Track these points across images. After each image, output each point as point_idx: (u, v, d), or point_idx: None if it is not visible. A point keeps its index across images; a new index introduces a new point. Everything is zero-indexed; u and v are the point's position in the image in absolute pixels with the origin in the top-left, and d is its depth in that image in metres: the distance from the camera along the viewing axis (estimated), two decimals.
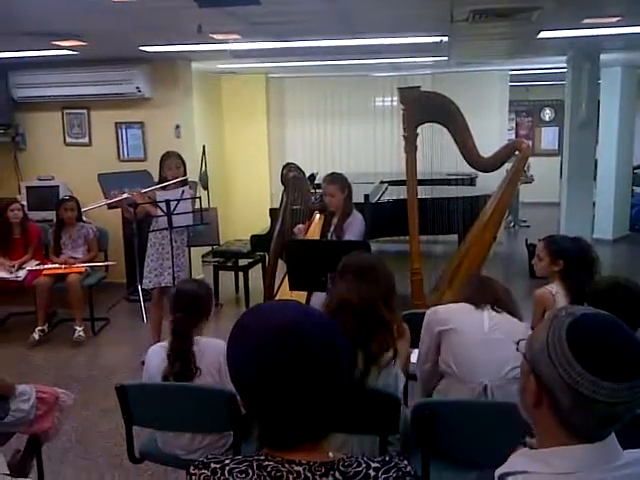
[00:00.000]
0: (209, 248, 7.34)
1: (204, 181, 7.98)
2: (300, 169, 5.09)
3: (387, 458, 1.20)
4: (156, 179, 5.19)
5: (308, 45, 5.82)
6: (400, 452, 2.59)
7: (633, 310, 2.37)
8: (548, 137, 13.08)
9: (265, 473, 1.12)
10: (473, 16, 4.40)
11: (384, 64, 8.36)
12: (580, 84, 7.32)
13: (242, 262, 6.72)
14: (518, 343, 1.24)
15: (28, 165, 7.33)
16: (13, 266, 5.72)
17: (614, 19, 4.78)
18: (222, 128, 9.16)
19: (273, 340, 1.10)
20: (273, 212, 5.98)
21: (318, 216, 4.74)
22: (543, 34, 5.38)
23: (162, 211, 4.77)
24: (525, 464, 1.16)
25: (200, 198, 5.27)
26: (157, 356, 2.75)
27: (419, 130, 4.79)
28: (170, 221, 4.79)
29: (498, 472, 1.19)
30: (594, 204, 8.44)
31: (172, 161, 4.94)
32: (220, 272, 6.66)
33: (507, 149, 5.06)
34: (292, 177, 5.00)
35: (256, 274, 6.66)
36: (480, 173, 6.69)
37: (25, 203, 6.43)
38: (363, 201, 5.86)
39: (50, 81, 6.82)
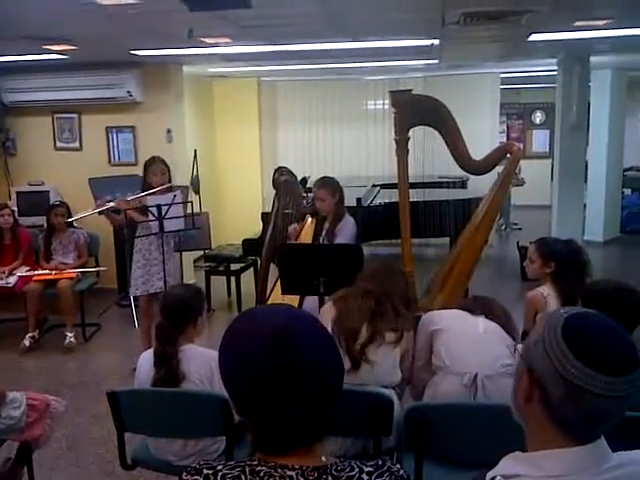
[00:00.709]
0: (201, 253, 7.32)
1: (196, 185, 7.96)
2: (292, 173, 5.08)
3: (380, 462, 1.20)
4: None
5: (299, 48, 5.82)
6: (393, 448, 2.60)
7: (632, 314, 2.37)
8: (539, 140, 13.14)
9: (258, 478, 1.12)
10: (464, 19, 4.42)
11: (375, 67, 8.38)
12: (570, 87, 7.36)
13: (234, 267, 6.70)
14: (515, 347, 1.25)
15: (18, 170, 7.28)
16: (3, 272, 5.68)
17: (603, 22, 4.80)
18: (214, 132, 9.15)
19: (264, 345, 1.10)
20: (265, 216, 5.96)
21: (310, 220, 4.73)
22: (534, 37, 5.41)
23: (153, 216, 4.74)
24: (516, 467, 1.16)
25: (192, 202, 5.25)
26: (147, 362, 2.73)
27: (411, 133, 4.79)
28: (162, 226, 4.76)
29: (489, 475, 1.19)
30: (585, 206, 8.48)
31: (157, 167, 4.87)
32: (212, 277, 6.64)
33: (498, 152, 5.06)
34: (284, 181, 4.98)
35: (248, 278, 6.64)
36: (471, 176, 6.70)
37: (15, 208, 6.39)
38: (355, 205, 5.86)
39: (40, 85, 6.78)
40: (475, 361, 2.62)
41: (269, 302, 4.70)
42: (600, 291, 2.53)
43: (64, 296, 5.56)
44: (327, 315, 2.83)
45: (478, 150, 4.94)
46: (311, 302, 4.00)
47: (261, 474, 1.12)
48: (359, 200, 6.14)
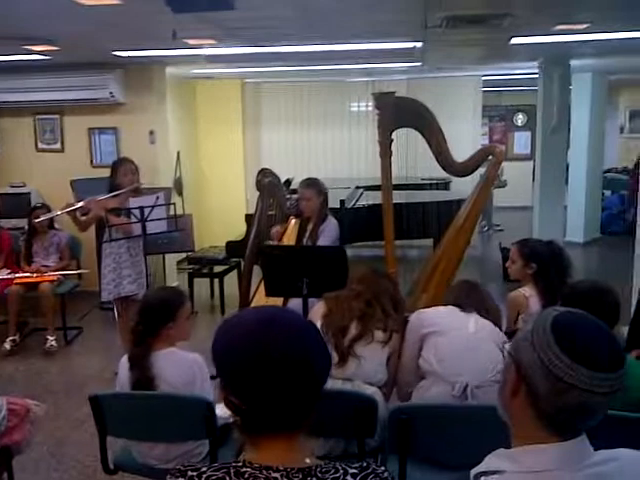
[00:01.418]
0: (184, 255, 7.29)
1: (178, 187, 7.92)
2: (275, 174, 5.07)
3: (364, 464, 1.21)
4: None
5: (283, 50, 5.82)
6: (377, 449, 2.61)
7: (610, 313, 2.40)
8: (521, 142, 13.24)
9: None
10: (446, 22, 4.44)
11: (359, 69, 8.40)
12: (551, 90, 7.44)
13: (217, 269, 6.68)
14: (504, 346, 1.27)
15: None
16: None
17: (583, 26, 4.86)
18: (197, 133, 9.12)
19: (251, 330, 1.17)
20: (249, 218, 5.95)
21: (294, 221, 4.73)
22: (515, 40, 5.45)
23: (136, 217, 4.71)
24: (499, 463, 1.18)
25: (174, 204, 5.22)
26: (126, 366, 2.72)
27: (394, 135, 4.80)
28: (144, 228, 4.72)
29: (473, 472, 1.22)
30: (566, 208, 8.57)
31: (127, 167, 4.80)
32: (195, 279, 6.61)
33: (481, 154, 5.09)
34: (267, 182, 4.98)
35: (232, 281, 6.62)
36: (454, 178, 6.74)
37: None
38: (339, 206, 5.87)
39: (21, 86, 6.70)
40: (466, 369, 2.61)
41: (253, 304, 4.69)
42: (578, 291, 2.56)
43: (45, 299, 5.51)
44: (318, 313, 2.88)
45: (461, 152, 4.97)
46: (295, 304, 4.00)
47: (245, 475, 1.13)
48: (342, 202, 6.15)
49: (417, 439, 2.38)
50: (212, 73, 8.43)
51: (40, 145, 7.22)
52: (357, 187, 7.70)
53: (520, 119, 13.28)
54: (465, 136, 9.39)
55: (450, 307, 2.87)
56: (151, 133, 7.00)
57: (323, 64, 7.50)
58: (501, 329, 2.83)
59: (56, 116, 7.10)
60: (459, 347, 2.69)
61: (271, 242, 4.73)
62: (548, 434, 1.16)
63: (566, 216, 8.71)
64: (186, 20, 4.03)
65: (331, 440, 2.63)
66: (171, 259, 7.23)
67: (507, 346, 1.26)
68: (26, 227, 5.92)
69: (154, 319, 2.70)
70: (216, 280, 6.66)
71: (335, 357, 2.73)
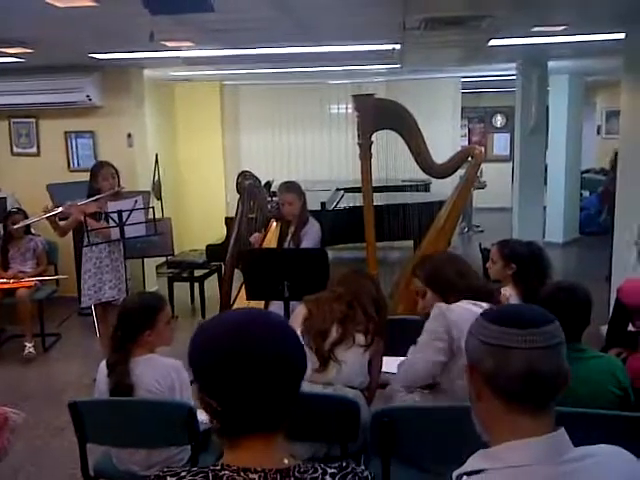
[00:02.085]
0: (163, 259, 7.23)
1: (157, 190, 7.86)
2: (255, 177, 5.05)
3: (344, 464, 1.21)
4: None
5: (262, 52, 5.80)
6: (360, 450, 2.60)
7: (577, 313, 2.41)
8: (500, 143, 13.34)
9: None
10: (425, 24, 4.45)
11: (338, 71, 8.41)
12: (529, 91, 7.50)
13: (198, 272, 6.63)
14: None
15: None
16: None
17: (560, 28, 4.90)
18: (176, 136, 9.06)
19: (227, 332, 1.17)
20: (229, 221, 5.92)
21: (275, 224, 4.71)
22: (493, 42, 5.49)
23: (114, 221, 4.66)
24: (480, 463, 1.19)
25: (153, 208, 5.18)
26: (105, 372, 2.69)
27: (374, 137, 4.81)
28: (122, 232, 4.68)
29: (455, 473, 1.22)
30: (545, 208, 8.64)
31: (107, 171, 4.78)
32: (175, 283, 6.56)
33: (460, 155, 5.13)
34: (248, 185, 4.96)
35: (212, 284, 6.58)
36: (434, 179, 6.77)
37: None
38: (319, 209, 5.86)
39: None
40: None
41: (234, 308, 4.66)
42: (544, 291, 2.60)
43: (22, 305, 5.42)
44: (299, 317, 2.85)
45: (440, 153, 5.00)
46: (276, 307, 3.98)
47: (224, 478, 1.14)
48: (323, 204, 6.14)
49: (400, 441, 2.37)
50: (191, 75, 8.38)
51: (15, 149, 7.12)
52: (337, 189, 7.70)
53: (499, 120, 13.38)
54: (444, 137, 9.43)
55: (467, 308, 2.50)
56: (129, 136, 6.93)
57: (302, 66, 7.49)
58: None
59: (32, 120, 7.01)
60: None
61: (252, 246, 4.71)
62: (518, 413, 1.19)
63: (545, 217, 8.78)
64: (164, 22, 3.99)
65: (314, 444, 2.61)
66: (150, 263, 7.17)
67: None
68: (1, 232, 5.83)
69: (133, 325, 2.67)
70: (196, 284, 6.61)
71: (315, 361, 2.70)
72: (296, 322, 2.78)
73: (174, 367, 2.65)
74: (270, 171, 8.59)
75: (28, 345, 5.42)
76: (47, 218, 4.69)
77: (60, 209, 4.71)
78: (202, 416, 2.55)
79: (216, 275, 6.63)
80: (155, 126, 8.08)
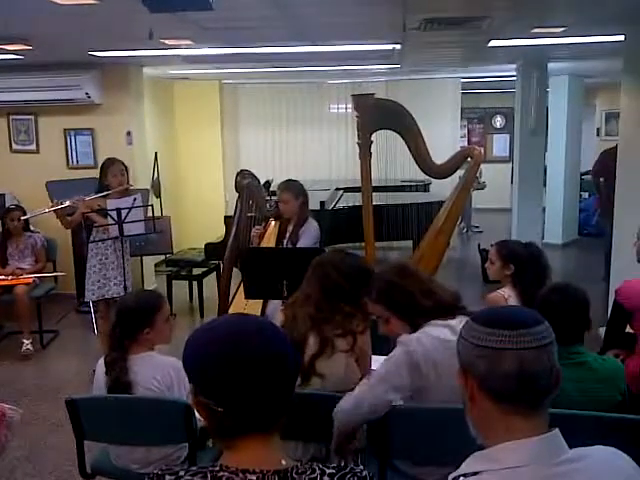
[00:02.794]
0: (162, 257, 7.23)
1: (156, 189, 7.85)
2: (254, 176, 5.04)
3: (342, 464, 1.25)
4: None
5: (261, 51, 5.80)
6: (357, 450, 2.58)
7: (571, 314, 2.40)
8: (499, 144, 13.34)
9: None
10: (425, 24, 4.46)
11: (338, 71, 8.40)
12: (529, 92, 7.50)
13: (196, 271, 6.63)
14: None
15: None
16: None
17: (560, 29, 4.91)
18: (175, 134, 9.05)
19: (226, 333, 1.21)
20: (228, 220, 5.92)
21: (273, 223, 4.71)
22: (493, 43, 5.49)
23: (113, 219, 4.66)
24: (476, 465, 1.20)
25: (152, 206, 5.18)
26: (103, 369, 2.69)
27: (373, 137, 4.81)
28: (121, 230, 4.68)
29: (451, 476, 1.22)
30: (544, 209, 8.64)
31: (116, 167, 4.82)
32: (174, 282, 6.56)
33: (460, 156, 5.12)
34: (246, 184, 4.95)
35: (211, 283, 6.58)
36: (434, 179, 6.77)
37: None
38: (319, 208, 5.86)
39: None
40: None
41: (232, 306, 4.66)
42: (539, 293, 2.59)
43: (21, 302, 5.42)
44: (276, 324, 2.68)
45: (440, 154, 5.00)
46: (275, 306, 3.98)
47: (223, 479, 1.15)
48: (322, 203, 6.14)
49: (397, 443, 2.37)
50: (190, 74, 8.38)
51: (14, 146, 7.11)
52: (337, 189, 7.70)
53: (499, 121, 13.38)
54: (444, 138, 9.43)
55: (435, 332, 2.26)
56: (128, 134, 6.93)
57: (302, 65, 7.49)
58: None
59: (31, 116, 7.00)
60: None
61: (251, 244, 4.70)
62: (511, 415, 1.19)
63: (544, 218, 8.79)
64: (163, 20, 3.99)
65: (313, 444, 2.59)
66: (149, 261, 7.16)
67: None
68: (0, 229, 5.82)
69: (131, 323, 2.67)
70: (195, 282, 6.61)
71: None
72: None
73: (173, 365, 2.65)
74: (269, 170, 8.59)
75: (26, 342, 5.41)
76: (55, 211, 4.70)
77: (68, 203, 4.74)
78: (199, 415, 2.55)
79: (215, 274, 6.63)
80: (154, 124, 8.08)
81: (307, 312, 2.58)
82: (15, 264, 5.69)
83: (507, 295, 3.26)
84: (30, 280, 5.59)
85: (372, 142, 4.83)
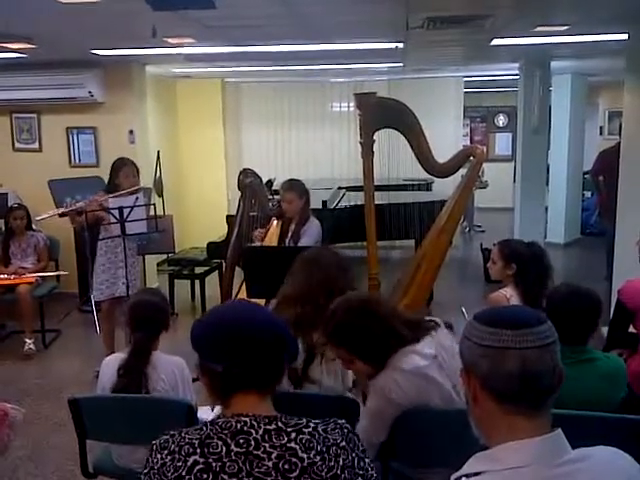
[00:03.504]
0: (164, 256, 7.23)
1: (159, 187, 7.85)
2: (257, 175, 5.05)
3: (327, 418, 1.41)
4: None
5: (264, 50, 5.79)
6: None
7: (588, 319, 2.41)
8: (502, 143, 13.32)
9: (217, 427, 1.34)
10: (428, 23, 4.45)
11: (341, 70, 8.39)
12: (532, 91, 7.49)
13: (198, 270, 6.63)
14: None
15: None
16: None
17: (563, 28, 4.90)
18: (177, 133, 9.05)
19: (226, 310, 1.52)
20: (230, 219, 5.92)
21: (275, 222, 4.71)
22: (496, 41, 5.48)
23: (115, 218, 4.66)
24: (478, 465, 1.19)
25: (155, 205, 5.18)
26: (110, 369, 2.69)
27: (376, 136, 4.80)
28: (123, 229, 4.68)
29: (454, 476, 1.22)
30: (546, 209, 8.63)
31: (129, 169, 4.82)
32: (176, 280, 6.56)
33: (462, 155, 5.10)
34: (249, 183, 4.95)
35: (213, 282, 6.57)
36: (436, 178, 6.76)
37: None
38: (321, 207, 5.86)
39: None
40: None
41: None
42: (555, 295, 2.58)
43: (23, 301, 5.42)
44: None
45: (442, 153, 4.98)
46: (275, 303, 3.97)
47: (219, 423, 1.35)
48: (325, 202, 6.13)
49: (398, 443, 2.36)
50: (192, 72, 8.37)
51: (17, 145, 7.12)
52: (339, 188, 7.69)
53: (501, 120, 13.36)
54: (446, 137, 9.41)
55: (411, 372, 2.16)
56: (131, 133, 6.93)
57: (304, 64, 7.48)
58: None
59: (33, 115, 7.00)
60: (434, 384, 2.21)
61: (253, 243, 4.70)
62: (514, 414, 1.19)
63: (547, 217, 8.78)
64: (166, 18, 3.99)
65: None
66: (151, 260, 7.16)
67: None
68: (3, 228, 5.83)
69: (156, 324, 2.70)
70: (197, 281, 6.61)
71: (289, 384, 2.39)
72: None
73: (177, 365, 2.66)
74: (272, 169, 8.59)
75: (28, 341, 5.42)
76: (69, 212, 4.72)
77: (81, 204, 4.74)
78: (202, 414, 2.55)
79: (217, 273, 6.62)
80: (157, 123, 8.08)
81: (289, 313, 2.48)
82: (18, 263, 5.69)
83: (509, 295, 3.25)
84: (32, 279, 5.59)
85: (374, 141, 4.82)
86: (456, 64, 8.32)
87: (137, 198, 4.76)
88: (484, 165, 7.35)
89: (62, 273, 6.05)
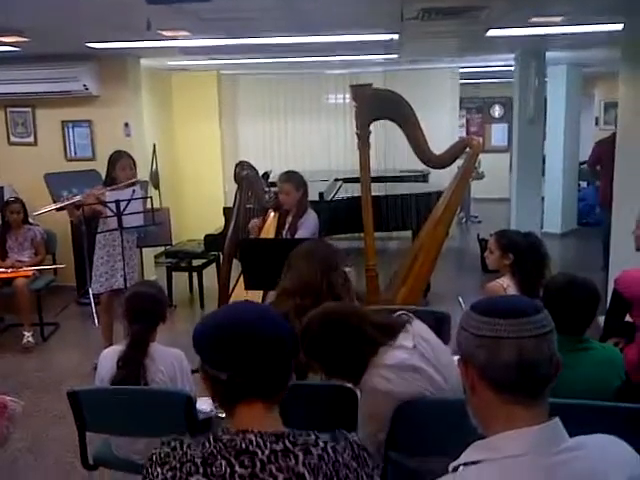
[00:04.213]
0: (161, 249, 7.23)
1: (155, 180, 7.85)
2: (253, 167, 5.04)
3: (337, 432, 1.35)
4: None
5: (259, 42, 5.78)
6: None
7: (586, 308, 2.43)
8: (498, 134, 13.31)
9: (221, 444, 1.26)
10: (423, 14, 4.44)
11: (336, 62, 8.38)
12: (528, 82, 7.50)
13: (196, 262, 6.64)
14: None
15: None
16: None
17: (559, 18, 4.89)
18: (173, 126, 9.03)
19: (230, 312, 1.44)
20: (227, 211, 5.92)
21: (272, 214, 4.71)
22: (491, 32, 5.47)
23: (112, 211, 4.66)
24: (476, 454, 1.20)
25: (151, 198, 5.18)
26: (109, 361, 2.70)
27: (372, 127, 4.81)
28: (120, 222, 4.68)
29: (452, 465, 1.23)
30: (543, 199, 8.65)
31: (125, 161, 4.83)
32: (173, 273, 6.57)
33: (458, 146, 5.11)
34: (245, 175, 4.94)
35: (210, 274, 6.58)
36: (432, 170, 6.76)
37: None
38: (318, 199, 5.86)
39: None
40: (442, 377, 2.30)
41: (232, 297, 4.67)
42: (552, 284, 2.59)
43: (21, 295, 5.42)
44: None
45: (438, 144, 4.99)
46: (274, 297, 3.98)
47: (224, 440, 1.27)
48: (321, 194, 6.14)
49: (397, 433, 2.38)
50: (188, 65, 8.35)
51: (12, 138, 7.10)
52: (336, 179, 7.69)
53: (497, 111, 13.35)
54: (442, 128, 9.41)
55: (394, 364, 2.18)
56: (126, 126, 6.92)
57: (300, 56, 7.46)
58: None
59: (28, 109, 6.98)
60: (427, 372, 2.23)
61: (250, 235, 4.71)
62: (512, 404, 1.20)
63: (543, 207, 8.80)
64: (161, 11, 3.98)
65: None
66: (149, 253, 7.17)
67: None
68: (0, 222, 5.82)
69: (154, 315, 2.71)
70: (194, 274, 6.62)
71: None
72: None
73: (176, 356, 2.68)
74: (268, 161, 8.59)
75: (27, 334, 5.42)
76: (66, 206, 4.72)
77: (78, 197, 4.75)
78: (202, 405, 2.57)
79: (214, 265, 6.64)
80: (152, 115, 8.06)
81: (292, 305, 2.55)
82: (15, 257, 5.69)
83: (506, 285, 3.27)
84: (30, 273, 5.59)
85: (370, 132, 4.82)
86: (452, 55, 8.31)
87: (134, 191, 4.76)
88: (480, 156, 7.38)
89: (59, 266, 6.05)
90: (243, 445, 1.25)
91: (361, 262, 5.19)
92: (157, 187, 7.85)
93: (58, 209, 4.81)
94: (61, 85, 6.54)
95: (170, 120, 8.98)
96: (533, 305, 1.24)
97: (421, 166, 5.47)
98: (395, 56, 7.53)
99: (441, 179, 7.05)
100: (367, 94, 4.74)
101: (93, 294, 5.50)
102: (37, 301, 5.65)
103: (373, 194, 5.04)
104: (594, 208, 9.85)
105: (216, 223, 6.55)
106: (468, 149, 5.12)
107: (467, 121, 13.39)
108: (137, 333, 2.68)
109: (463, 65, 9.81)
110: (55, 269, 6.02)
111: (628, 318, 3.23)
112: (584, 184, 10.72)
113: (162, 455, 1.29)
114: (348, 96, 9.32)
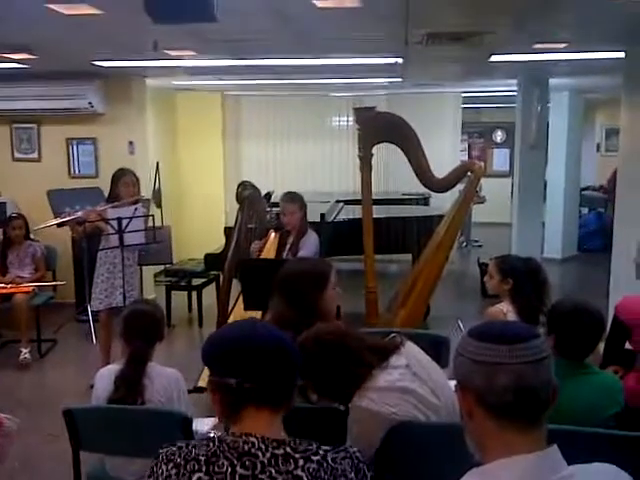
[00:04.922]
0: (162, 267, 7.22)
1: (157, 199, 7.85)
2: (255, 187, 5.05)
3: (338, 445, 1.40)
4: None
5: (264, 63, 5.83)
6: None
7: (592, 334, 2.42)
8: (499, 158, 13.35)
9: (225, 445, 1.32)
10: (427, 39, 4.49)
11: (340, 84, 8.44)
12: (530, 107, 7.54)
13: (196, 281, 6.62)
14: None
15: None
16: None
17: (562, 45, 4.94)
18: (176, 145, 9.08)
19: (239, 326, 1.53)
20: (228, 231, 5.92)
21: (273, 235, 4.71)
22: (494, 58, 5.52)
23: (113, 229, 4.66)
24: None
25: (153, 216, 5.19)
26: (105, 380, 2.67)
27: (374, 150, 4.83)
28: (121, 239, 4.68)
29: None
30: (544, 224, 8.65)
31: (129, 178, 4.85)
32: (173, 292, 6.55)
33: (460, 170, 5.14)
34: (247, 195, 4.96)
35: (210, 294, 6.57)
36: (434, 193, 6.77)
37: None
38: (319, 220, 5.86)
39: None
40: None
41: (231, 317, 4.65)
42: (560, 308, 2.57)
43: (20, 311, 5.41)
44: None
45: (440, 168, 5.01)
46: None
47: (227, 441, 1.33)
48: (323, 215, 6.15)
49: (394, 458, 2.35)
50: (192, 85, 8.42)
51: (17, 154, 7.13)
52: (337, 201, 7.70)
53: (499, 136, 13.41)
54: (444, 152, 9.46)
55: (384, 394, 2.13)
56: (130, 144, 6.95)
57: (304, 78, 7.52)
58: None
59: (33, 125, 7.02)
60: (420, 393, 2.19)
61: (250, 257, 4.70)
62: (509, 430, 1.18)
63: (544, 233, 8.79)
64: (167, 31, 4.02)
65: None
66: (148, 271, 7.16)
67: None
68: (1, 237, 5.82)
69: (154, 334, 2.70)
70: (194, 293, 6.60)
71: None
72: None
73: (173, 377, 2.66)
74: (270, 182, 8.60)
75: (24, 351, 5.40)
76: (68, 222, 4.74)
77: (79, 213, 4.75)
78: (198, 426, 2.54)
79: (214, 284, 6.62)
80: (156, 134, 8.11)
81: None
82: (15, 272, 5.69)
83: (506, 310, 3.26)
84: (29, 289, 5.58)
85: (373, 155, 4.85)
86: (455, 79, 8.38)
87: (136, 209, 4.77)
88: (482, 180, 7.40)
89: (59, 283, 6.04)
90: (246, 447, 1.31)
91: (361, 284, 5.19)
92: (159, 205, 7.85)
93: (59, 224, 4.82)
94: (66, 102, 6.60)
95: (174, 139, 9.03)
96: (530, 331, 1.24)
97: (422, 189, 5.49)
98: (399, 80, 7.58)
99: (442, 203, 7.06)
100: (370, 117, 4.78)
101: (92, 311, 5.48)
102: (36, 317, 5.63)
103: (374, 216, 5.05)
104: (595, 234, 9.86)
105: (217, 242, 6.56)
106: (470, 173, 5.14)
107: (469, 145, 13.44)
108: (135, 352, 2.67)
109: (466, 90, 9.88)
110: (55, 286, 6.01)
111: (628, 346, 3.21)
112: (585, 210, 10.73)
113: (169, 453, 1.39)
114: (351, 119, 9.39)
